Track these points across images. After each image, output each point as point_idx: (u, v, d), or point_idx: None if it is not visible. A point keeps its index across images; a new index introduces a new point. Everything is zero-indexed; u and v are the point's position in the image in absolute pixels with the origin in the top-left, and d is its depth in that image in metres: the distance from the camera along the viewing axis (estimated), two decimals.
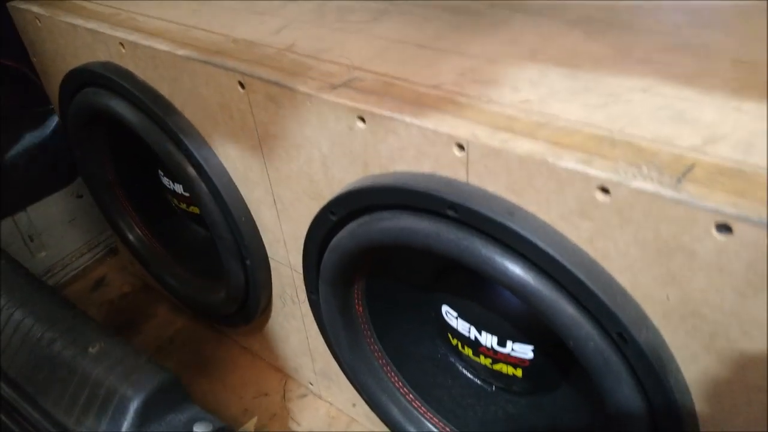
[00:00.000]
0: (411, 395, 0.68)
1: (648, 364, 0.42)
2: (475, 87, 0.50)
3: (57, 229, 1.09)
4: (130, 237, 0.91)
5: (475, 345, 0.60)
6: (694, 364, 0.42)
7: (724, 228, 0.35)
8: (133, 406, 0.51)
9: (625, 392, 0.43)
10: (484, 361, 0.61)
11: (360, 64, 0.55)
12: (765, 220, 0.34)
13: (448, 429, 0.67)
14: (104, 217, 0.93)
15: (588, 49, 0.54)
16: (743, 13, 0.58)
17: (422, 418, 0.67)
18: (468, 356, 0.62)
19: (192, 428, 0.52)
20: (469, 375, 0.67)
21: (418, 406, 0.68)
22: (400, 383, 0.68)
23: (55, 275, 1.10)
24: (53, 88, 0.83)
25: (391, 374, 0.68)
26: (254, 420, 0.83)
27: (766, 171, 0.37)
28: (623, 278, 0.42)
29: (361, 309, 0.65)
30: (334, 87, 0.52)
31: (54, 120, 1.02)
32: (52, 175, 1.04)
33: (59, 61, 0.79)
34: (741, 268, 0.36)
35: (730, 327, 0.39)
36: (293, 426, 0.82)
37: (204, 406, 0.75)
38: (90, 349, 0.57)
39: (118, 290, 1.06)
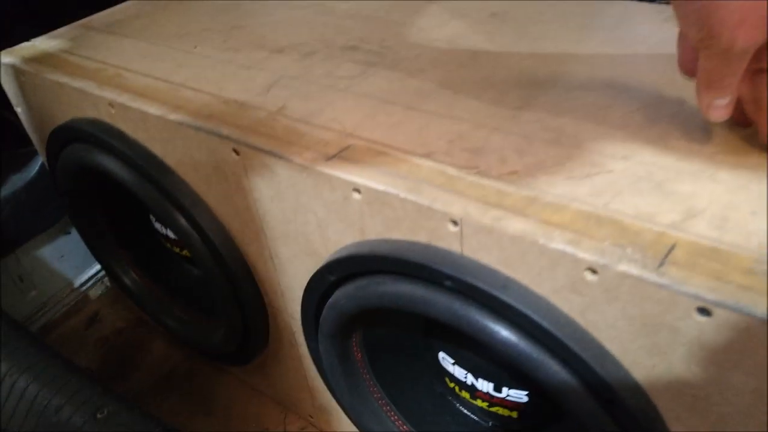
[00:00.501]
0: (407, 428, 0.71)
1: (636, 425, 0.45)
2: (465, 156, 0.52)
3: (46, 267, 1.10)
4: (126, 280, 0.92)
5: (472, 389, 0.63)
6: (679, 423, 0.45)
7: (704, 311, 0.38)
8: None
9: None
10: (481, 404, 0.64)
11: (352, 130, 0.57)
12: (740, 306, 0.37)
13: None
14: (98, 261, 0.94)
15: (570, 109, 0.57)
16: None
17: None
18: (465, 399, 0.65)
19: None
20: (467, 413, 0.70)
21: None
22: (400, 422, 0.71)
23: (47, 313, 1.10)
24: (39, 139, 0.84)
25: (391, 414, 0.70)
26: None
27: (739, 249, 0.40)
28: (613, 347, 0.45)
29: (359, 355, 0.67)
30: (328, 158, 0.54)
31: (38, 160, 1.02)
32: (39, 216, 1.04)
33: (45, 115, 0.79)
34: (720, 345, 0.39)
35: (711, 393, 0.42)
36: None
37: None
38: (98, 415, 0.59)
39: (112, 326, 1.07)
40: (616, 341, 0.44)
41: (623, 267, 0.40)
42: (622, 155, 0.50)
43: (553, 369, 0.46)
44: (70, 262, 1.12)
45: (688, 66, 0.48)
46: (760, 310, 0.36)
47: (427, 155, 0.53)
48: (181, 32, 0.81)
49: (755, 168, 0.47)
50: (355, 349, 0.66)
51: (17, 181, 1.00)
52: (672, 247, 0.41)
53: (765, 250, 0.40)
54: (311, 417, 0.87)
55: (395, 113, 0.59)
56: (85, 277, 1.14)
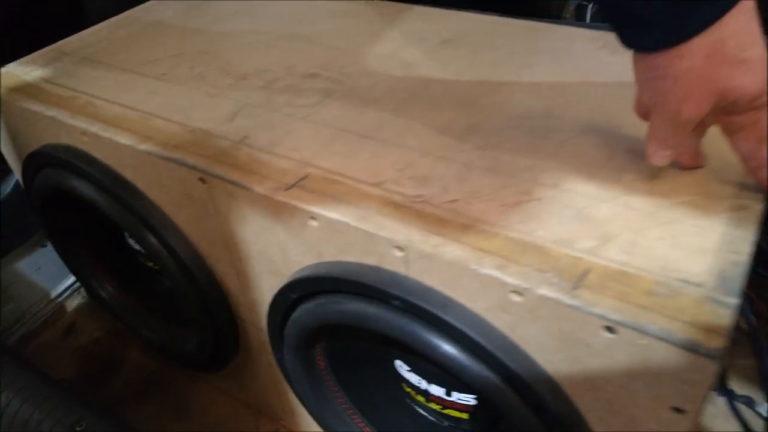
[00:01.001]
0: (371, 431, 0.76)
1: (560, 427, 0.50)
2: (412, 184, 0.57)
3: (23, 280, 1.13)
4: (101, 293, 0.96)
5: (426, 394, 0.69)
6: (601, 424, 0.51)
7: (610, 329, 0.44)
8: None
9: None
10: (435, 407, 0.69)
11: (309, 159, 0.62)
12: (639, 324, 0.43)
13: None
14: (73, 275, 0.97)
15: (509, 138, 0.62)
16: None
17: None
18: (421, 402, 0.71)
19: None
20: (424, 414, 0.75)
21: None
22: (363, 423, 0.76)
23: (25, 324, 1.13)
24: (15, 161, 0.87)
25: (355, 418, 0.76)
26: None
27: (643, 272, 0.46)
28: (539, 359, 0.50)
29: (323, 364, 0.72)
30: (287, 187, 0.59)
31: (13, 177, 1.05)
32: (14, 231, 1.07)
33: (20, 139, 0.83)
34: (625, 358, 0.45)
35: (622, 398, 0.48)
36: None
37: None
38: (77, 428, 0.63)
39: (89, 336, 1.11)
40: (542, 353, 0.50)
41: (543, 290, 0.46)
42: (551, 183, 0.56)
43: (489, 379, 0.52)
44: (47, 274, 1.15)
45: (642, 112, 0.54)
46: (655, 329, 0.42)
47: (378, 184, 0.58)
48: (151, 58, 0.85)
49: (666, 195, 0.53)
50: (319, 358, 0.71)
51: None
52: (586, 272, 0.47)
53: (666, 273, 0.46)
54: (283, 420, 0.92)
55: (350, 142, 0.64)
56: (62, 288, 1.17)
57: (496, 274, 0.48)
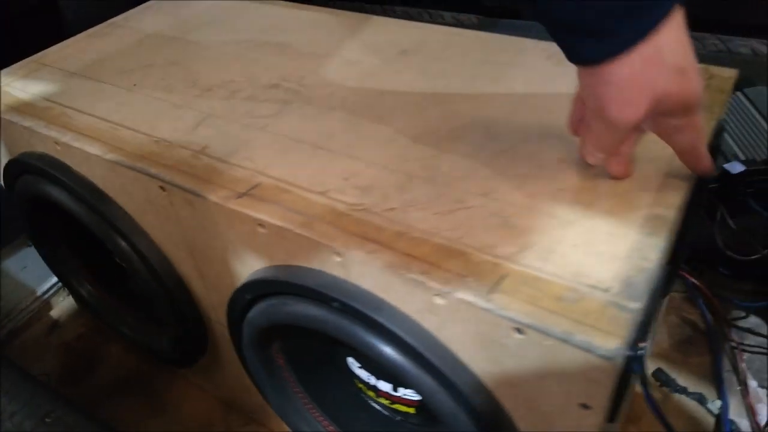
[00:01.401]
0: (332, 427, 0.80)
1: (485, 421, 0.54)
2: (355, 193, 0.61)
3: (10, 278, 1.17)
4: (82, 292, 1.00)
5: (376, 389, 0.73)
6: (524, 422, 0.55)
7: (520, 331, 0.48)
8: None
9: None
10: (384, 402, 0.73)
11: (263, 168, 0.66)
12: (545, 327, 0.46)
13: None
14: (55, 275, 1.01)
15: (449, 149, 0.65)
16: None
17: None
18: (372, 398, 0.75)
19: None
20: (378, 408, 0.79)
21: None
22: (324, 420, 0.80)
23: (12, 320, 1.18)
24: None
25: (315, 414, 0.80)
26: None
27: (555, 278, 0.50)
28: (465, 358, 0.54)
29: (282, 362, 0.76)
30: (239, 195, 0.62)
31: None
32: (1, 230, 1.11)
33: (0, 147, 0.87)
34: (536, 358, 0.48)
35: (538, 395, 0.51)
36: None
37: None
38: (46, 419, 0.67)
39: (72, 332, 1.15)
40: (466, 353, 0.54)
41: (461, 294, 0.50)
42: (482, 192, 0.59)
43: (420, 377, 0.55)
44: (33, 273, 1.19)
45: (575, 126, 0.58)
46: (558, 331, 0.46)
47: (323, 193, 0.61)
48: (125, 68, 0.88)
49: (588, 204, 0.56)
50: (277, 356, 0.75)
51: None
52: (502, 277, 0.51)
53: (577, 279, 0.50)
54: (252, 413, 0.96)
55: (303, 152, 0.68)
56: (47, 285, 1.21)
57: (422, 278, 0.51)
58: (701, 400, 0.94)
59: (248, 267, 0.67)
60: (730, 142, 1.19)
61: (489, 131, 0.67)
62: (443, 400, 0.55)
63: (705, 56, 1.51)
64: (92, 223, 0.77)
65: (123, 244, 0.77)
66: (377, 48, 0.86)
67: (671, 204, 0.55)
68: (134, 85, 0.84)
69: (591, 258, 0.51)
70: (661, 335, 1.04)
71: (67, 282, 1.00)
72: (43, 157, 0.79)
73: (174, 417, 0.99)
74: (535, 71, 0.77)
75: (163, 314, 0.83)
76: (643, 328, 0.53)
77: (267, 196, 0.62)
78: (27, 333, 1.16)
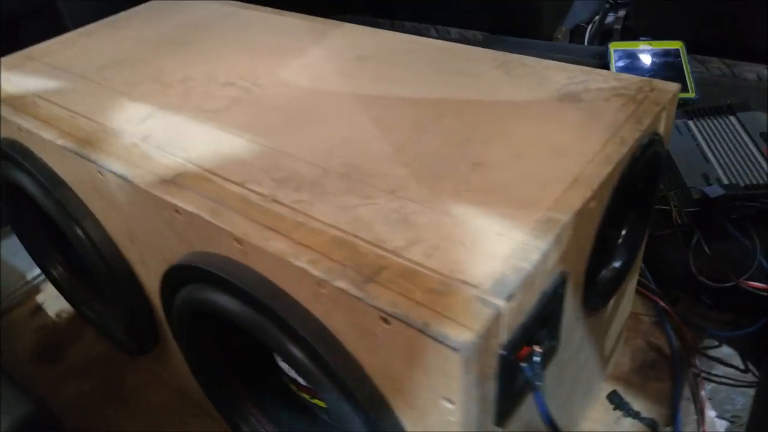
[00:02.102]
0: (269, 427, 0.82)
1: (370, 415, 0.55)
2: (271, 185, 0.63)
3: (2, 262, 1.23)
4: (54, 273, 1.05)
5: (297, 383, 0.74)
6: (402, 414, 0.55)
7: (386, 320, 0.48)
8: None
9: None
10: (306, 395, 0.74)
11: (194, 158, 0.68)
12: (406, 317, 0.47)
13: None
14: (33, 259, 1.07)
15: (373, 150, 0.67)
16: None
17: None
18: (296, 391, 0.76)
19: None
20: (306, 404, 0.80)
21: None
22: (258, 413, 0.81)
23: (3, 302, 1.24)
24: None
25: (249, 406, 0.81)
26: None
27: (433, 273, 0.50)
28: (350, 347, 0.55)
29: (215, 353, 0.78)
30: (163, 182, 0.65)
31: None
32: None
33: None
34: (403, 349, 0.49)
35: (410, 388, 0.51)
36: None
37: (111, 425, 0.89)
38: None
39: (53, 316, 1.20)
40: (351, 342, 0.54)
41: (338, 283, 0.51)
42: (390, 190, 0.60)
43: (309, 366, 0.56)
44: (24, 258, 1.24)
45: None
46: (418, 321, 0.46)
47: (240, 183, 0.64)
48: (101, 65, 0.93)
49: (487, 205, 0.57)
50: (210, 346, 0.77)
51: None
52: (382, 269, 0.51)
53: (452, 274, 0.50)
54: (202, 404, 0.98)
55: (235, 145, 0.70)
56: (37, 271, 1.27)
57: (307, 267, 0.53)
58: (653, 425, 0.91)
59: (174, 253, 0.69)
60: (715, 165, 1.16)
61: (415, 133, 0.68)
62: (330, 390, 0.56)
63: (707, 80, 1.48)
64: (49, 208, 0.81)
65: (76, 229, 0.81)
66: (337, 53, 0.89)
67: (568, 208, 0.55)
68: (104, 79, 0.88)
69: (472, 256, 0.51)
70: (623, 358, 1.02)
71: (41, 265, 1.05)
72: (12, 143, 0.84)
73: (132, 403, 1.02)
74: (481, 78, 0.78)
75: (114, 299, 0.86)
76: (530, 331, 0.53)
77: (188, 184, 0.64)
78: (12, 314, 1.21)
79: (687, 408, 0.93)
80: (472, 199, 0.58)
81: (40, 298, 1.25)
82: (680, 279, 1.11)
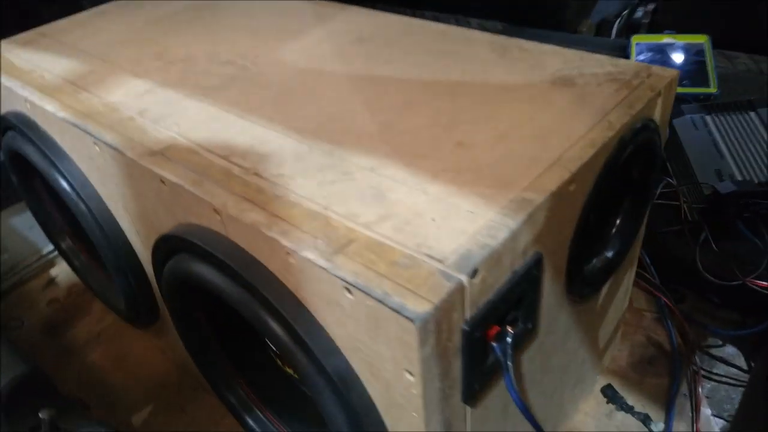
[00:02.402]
0: (250, 391, 0.83)
1: (334, 384, 0.55)
2: (254, 158, 0.64)
3: (18, 235, 1.27)
4: (63, 246, 1.08)
5: (279, 356, 0.74)
6: (370, 386, 0.55)
7: (349, 291, 0.49)
8: None
9: (328, 403, 0.57)
10: (287, 369, 0.75)
11: (185, 132, 0.69)
12: (366, 287, 0.47)
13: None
14: (42, 228, 1.10)
15: (359, 128, 0.67)
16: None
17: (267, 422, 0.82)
18: (281, 365, 0.77)
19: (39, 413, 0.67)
20: (292, 378, 0.81)
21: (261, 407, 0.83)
22: (248, 388, 0.83)
23: (17, 274, 1.28)
24: None
25: (240, 382, 0.83)
26: (150, 407, 0.99)
27: (399, 246, 0.50)
28: (320, 318, 0.55)
29: (205, 325, 0.79)
30: (152, 154, 0.66)
31: None
32: (11, 189, 1.21)
33: None
34: (365, 319, 0.49)
35: (375, 361, 0.52)
36: (181, 414, 0.98)
37: (112, 395, 0.91)
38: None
39: (64, 289, 1.24)
40: (320, 313, 0.55)
41: (306, 253, 0.51)
42: (370, 167, 0.60)
43: (281, 337, 0.57)
44: (40, 233, 1.29)
45: None
46: (378, 292, 0.46)
47: (226, 156, 0.65)
48: (109, 42, 0.95)
49: (464, 184, 0.56)
50: (200, 318, 0.79)
51: None
52: (350, 241, 0.52)
53: (419, 249, 0.50)
54: (201, 379, 1.00)
55: (226, 121, 0.71)
56: (52, 246, 1.31)
57: (278, 237, 0.53)
58: (645, 421, 0.89)
59: (163, 224, 0.70)
60: (729, 161, 1.13)
61: (402, 113, 0.68)
62: (300, 360, 0.57)
63: (732, 76, 1.44)
64: (52, 180, 0.84)
65: (79, 203, 0.83)
66: (337, 35, 0.89)
67: (544, 189, 0.55)
68: (110, 56, 0.90)
69: (442, 231, 0.51)
70: (621, 352, 1.00)
71: (51, 236, 1.08)
72: (19, 115, 0.87)
73: (132, 371, 1.04)
74: (475, 61, 0.77)
75: (113, 270, 0.88)
76: (498, 310, 0.53)
77: (176, 156, 0.66)
78: (26, 286, 1.25)
79: (683, 405, 0.91)
80: (449, 178, 0.58)
81: (53, 271, 1.29)
82: (687, 276, 1.08)
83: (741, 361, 0.99)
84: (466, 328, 0.49)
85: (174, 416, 0.97)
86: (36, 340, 1.12)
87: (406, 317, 0.45)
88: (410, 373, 0.49)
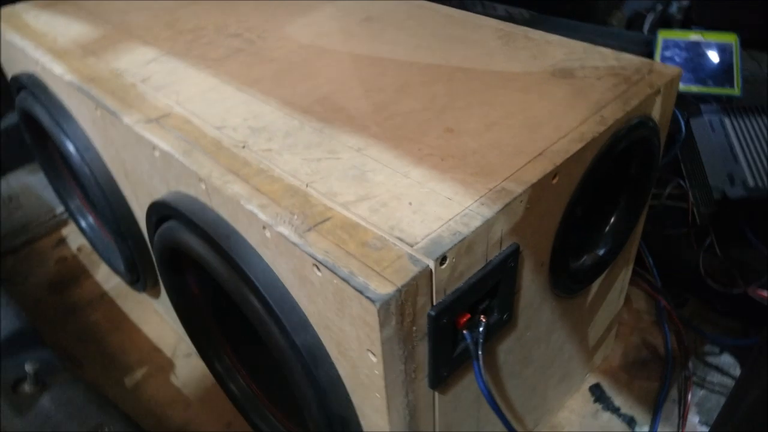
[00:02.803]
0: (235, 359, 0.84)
1: (304, 359, 0.56)
2: (245, 132, 0.64)
3: (33, 194, 1.31)
4: (71, 206, 1.11)
5: None
6: (338, 364, 0.56)
7: (317, 268, 0.49)
8: None
9: (298, 378, 0.58)
10: None
11: (183, 101, 0.70)
12: (331, 265, 0.47)
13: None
14: (54, 191, 1.13)
15: (353, 107, 0.67)
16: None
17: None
18: None
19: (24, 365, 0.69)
20: None
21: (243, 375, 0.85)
22: (236, 360, 0.84)
23: (30, 231, 1.31)
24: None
25: (228, 351, 0.84)
26: (143, 369, 1.01)
27: (372, 227, 0.50)
28: (293, 293, 0.56)
29: (197, 290, 0.81)
30: (148, 121, 0.67)
31: None
32: (23, 150, 1.24)
33: (10, 64, 0.98)
34: (331, 296, 0.50)
35: (342, 340, 0.52)
36: (173, 378, 1.00)
37: (108, 355, 0.94)
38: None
39: (73, 249, 1.27)
40: (293, 288, 0.55)
41: (281, 228, 0.52)
42: (357, 147, 0.60)
43: (257, 311, 0.58)
44: (53, 193, 1.32)
45: None
46: (346, 271, 0.47)
47: (219, 128, 0.65)
48: (126, 9, 0.97)
49: (447, 171, 0.56)
50: (192, 287, 0.80)
51: (11, 117, 1.21)
52: (326, 219, 0.52)
53: (391, 231, 0.50)
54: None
55: (226, 92, 0.72)
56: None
57: (256, 210, 0.54)
58: (630, 423, 0.89)
59: (156, 191, 0.72)
60: (743, 166, 1.10)
61: (398, 95, 0.68)
62: (273, 333, 0.57)
63: (758, 79, 1.40)
64: (57, 139, 0.86)
65: (83, 166, 0.84)
66: (346, 13, 0.89)
67: (525, 180, 0.54)
68: (123, 22, 0.91)
69: (416, 216, 0.51)
70: (614, 352, 0.99)
71: (61, 196, 1.11)
72: (30, 76, 0.88)
73: (130, 333, 1.07)
74: (479, 47, 0.76)
75: (113, 232, 0.90)
76: (468, 298, 0.53)
77: (171, 124, 0.66)
78: (37, 244, 1.28)
79: (671, 410, 0.90)
80: (433, 164, 0.57)
81: (65, 231, 1.32)
82: (689, 280, 1.06)
83: (737, 371, 0.97)
84: (432, 313, 0.49)
85: (165, 381, 0.99)
86: (41, 297, 1.15)
87: (368, 298, 0.45)
88: (372, 354, 0.49)
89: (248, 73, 0.75)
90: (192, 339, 0.86)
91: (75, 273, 1.21)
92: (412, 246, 0.48)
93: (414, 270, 0.46)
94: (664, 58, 1.47)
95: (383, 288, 0.45)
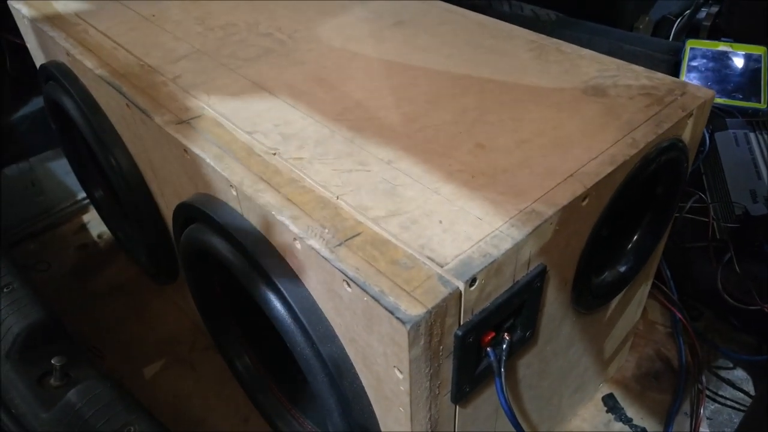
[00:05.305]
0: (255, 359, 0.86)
1: (329, 369, 0.57)
2: (277, 138, 0.65)
3: (55, 179, 1.32)
4: (95, 194, 1.12)
5: None
6: (363, 376, 0.56)
7: (348, 284, 0.50)
8: (13, 334, 0.71)
9: (322, 387, 0.58)
10: None
11: (214, 103, 0.71)
12: (363, 283, 0.48)
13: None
14: (77, 178, 1.14)
15: (383, 117, 0.67)
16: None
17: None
18: None
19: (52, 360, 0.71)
20: None
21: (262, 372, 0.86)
22: (255, 359, 0.86)
23: (51, 216, 1.33)
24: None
25: (248, 350, 0.86)
26: (162, 361, 1.03)
27: (403, 245, 0.51)
28: (322, 305, 0.56)
29: (219, 291, 0.82)
30: (179, 122, 0.68)
31: None
32: (47, 135, 1.25)
33: (39, 51, 0.99)
34: (361, 313, 0.50)
35: (369, 353, 0.53)
36: (191, 371, 1.01)
37: (128, 346, 0.95)
38: (5, 290, 0.77)
39: (95, 236, 1.28)
40: (321, 300, 0.56)
41: (311, 242, 0.52)
42: (387, 160, 0.61)
43: (285, 319, 0.58)
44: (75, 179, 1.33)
45: None
46: (376, 289, 0.47)
47: (250, 132, 0.66)
48: (157, 1, 0.97)
49: (478, 189, 0.56)
50: (213, 285, 0.81)
51: (37, 103, 1.22)
52: (356, 234, 0.52)
53: (422, 250, 0.50)
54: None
55: (255, 95, 0.72)
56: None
57: (287, 221, 0.54)
58: None
59: (186, 191, 0.72)
60: (767, 182, 1.09)
61: (428, 106, 0.68)
62: (299, 342, 0.58)
63: None
64: (86, 131, 0.86)
65: (107, 153, 0.85)
66: (378, 16, 0.88)
67: (555, 203, 0.54)
68: (153, 15, 0.92)
69: (446, 235, 0.52)
70: (628, 363, 1.00)
71: (84, 184, 1.12)
72: (59, 66, 0.89)
73: (149, 324, 1.08)
74: (511, 59, 0.76)
75: (137, 225, 0.91)
76: (495, 318, 0.53)
77: (202, 126, 0.67)
78: (58, 230, 1.30)
79: (682, 423, 0.91)
80: (463, 181, 0.58)
81: (86, 217, 1.34)
82: (706, 294, 1.06)
83: (749, 386, 0.98)
84: (459, 333, 0.50)
85: (183, 372, 1.01)
86: (62, 285, 1.17)
87: (399, 319, 0.45)
88: (399, 371, 0.50)
89: (279, 75, 0.75)
90: (213, 335, 0.87)
91: (96, 260, 1.22)
92: (442, 266, 0.49)
93: (444, 292, 0.47)
94: (690, 68, 1.45)
95: (414, 309, 0.46)
